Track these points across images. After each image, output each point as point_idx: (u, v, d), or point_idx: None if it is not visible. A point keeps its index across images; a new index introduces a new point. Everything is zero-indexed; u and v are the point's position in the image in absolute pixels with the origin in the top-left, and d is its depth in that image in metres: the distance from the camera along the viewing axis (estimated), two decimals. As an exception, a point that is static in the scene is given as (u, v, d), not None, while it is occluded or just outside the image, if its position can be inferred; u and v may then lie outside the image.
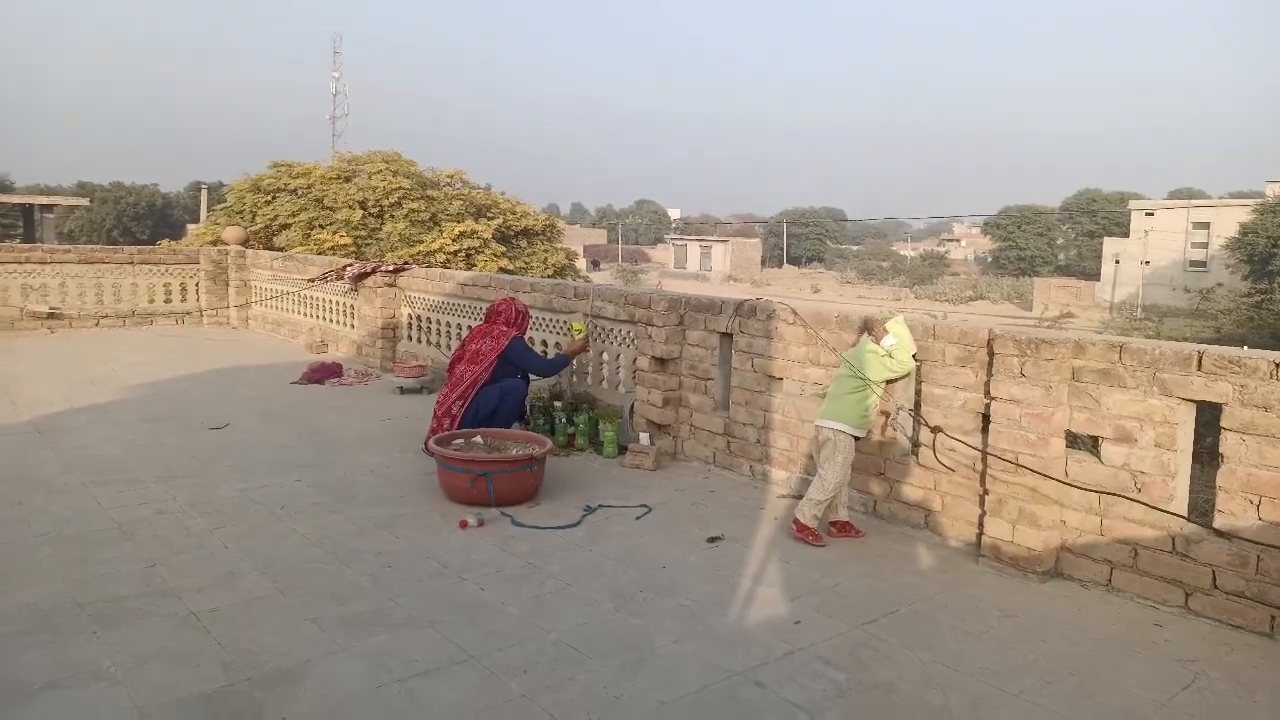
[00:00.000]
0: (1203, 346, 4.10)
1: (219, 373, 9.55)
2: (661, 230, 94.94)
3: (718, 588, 4.22)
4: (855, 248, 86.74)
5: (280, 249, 16.29)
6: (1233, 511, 3.87)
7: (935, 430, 4.83)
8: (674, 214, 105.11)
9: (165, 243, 18.77)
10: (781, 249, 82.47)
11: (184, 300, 13.40)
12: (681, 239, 79.45)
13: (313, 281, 11.60)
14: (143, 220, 58.50)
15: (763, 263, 74.50)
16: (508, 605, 3.96)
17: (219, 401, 8.02)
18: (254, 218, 17.70)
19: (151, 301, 13.14)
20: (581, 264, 31.50)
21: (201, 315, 13.43)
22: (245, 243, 14.42)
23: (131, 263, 13.02)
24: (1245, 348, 4.25)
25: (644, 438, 6.38)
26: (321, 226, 17.32)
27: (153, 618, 3.74)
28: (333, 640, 3.59)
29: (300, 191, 18.12)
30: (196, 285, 13.48)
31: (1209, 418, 4.17)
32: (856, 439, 4.88)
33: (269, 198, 18.19)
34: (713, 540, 4.84)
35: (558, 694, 3.21)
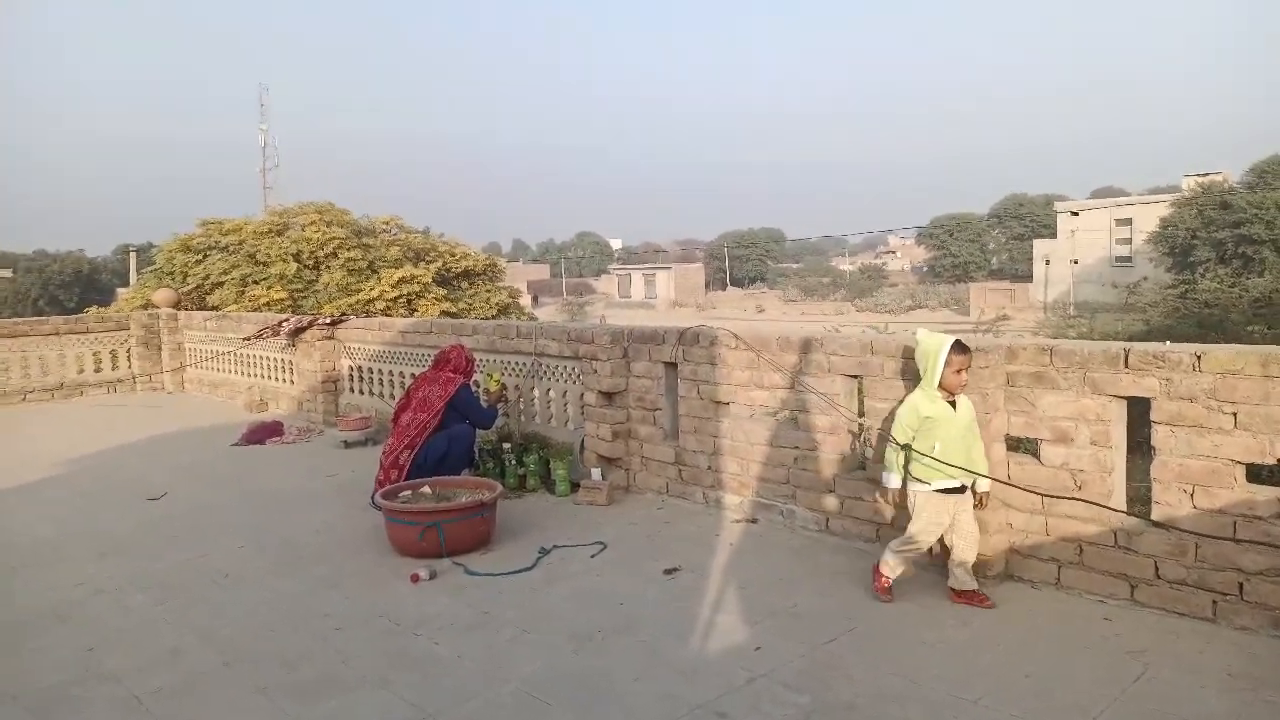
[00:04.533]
0: (1128, 344, 4.22)
1: (154, 440, 9.26)
2: (604, 261, 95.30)
3: (677, 620, 4.19)
4: (795, 265, 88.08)
5: (214, 308, 15.91)
6: (1169, 502, 3.97)
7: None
8: (615, 244, 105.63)
9: (93, 310, 18.12)
10: (724, 272, 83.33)
11: (115, 368, 12.99)
12: (624, 268, 79.94)
13: (248, 339, 11.36)
14: (69, 288, 56.78)
15: (707, 286, 75.24)
16: (463, 657, 3.88)
17: (155, 470, 7.77)
18: (185, 278, 17.27)
19: (81, 372, 12.72)
20: (525, 300, 31.38)
21: (135, 382, 13.03)
22: (177, 304, 14.08)
23: (57, 333, 12.60)
24: (1168, 342, 4.38)
25: (595, 473, 6.34)
26: (255, 282, 16.96)
27: (92, 704, 3.58)
28: (281, 711, 3.47)
29: (232, 248, 17.75)
30: (128, 352, 13.10)
31: (1140, 411, 4.29)
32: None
33: (199, 257, 17.78)
34: (669, 572, 4.81)
35: (519, 745, 3.14)
